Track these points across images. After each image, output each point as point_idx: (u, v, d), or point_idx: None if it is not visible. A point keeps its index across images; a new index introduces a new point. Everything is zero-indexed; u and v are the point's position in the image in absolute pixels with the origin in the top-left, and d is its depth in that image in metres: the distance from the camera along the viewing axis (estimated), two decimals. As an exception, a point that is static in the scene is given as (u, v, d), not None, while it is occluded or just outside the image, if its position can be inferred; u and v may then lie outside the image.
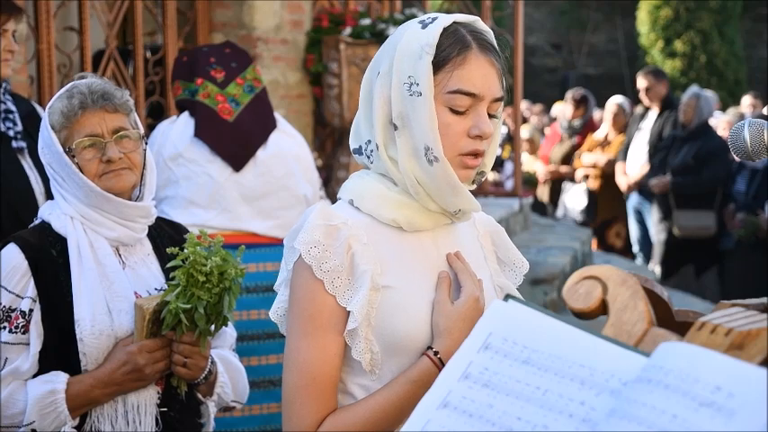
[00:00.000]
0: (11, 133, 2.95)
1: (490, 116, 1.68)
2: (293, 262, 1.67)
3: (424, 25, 1.68)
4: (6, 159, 2.92)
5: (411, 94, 1.64)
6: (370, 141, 1.71)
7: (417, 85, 1.64)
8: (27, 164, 2.96)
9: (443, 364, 1.60)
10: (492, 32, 1.74)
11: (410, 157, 1.66)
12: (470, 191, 1.72)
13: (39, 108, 3.15)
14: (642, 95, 8.26)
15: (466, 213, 1.74)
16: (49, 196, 2.49)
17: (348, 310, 1.63)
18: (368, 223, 1.68)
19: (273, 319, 1.77)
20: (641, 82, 8.21)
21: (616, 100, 9.45)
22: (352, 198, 1.72)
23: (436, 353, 1.63)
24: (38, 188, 2.93)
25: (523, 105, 10.59)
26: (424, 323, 1.66)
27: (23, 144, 2.96)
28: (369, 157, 1.72)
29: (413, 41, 1.66)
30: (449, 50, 1.65)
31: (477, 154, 1.68)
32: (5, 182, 2.88)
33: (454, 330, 1.63)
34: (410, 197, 1.69)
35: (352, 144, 1.77)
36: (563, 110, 10.37)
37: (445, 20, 1.68)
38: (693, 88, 8.26)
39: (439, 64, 1.65)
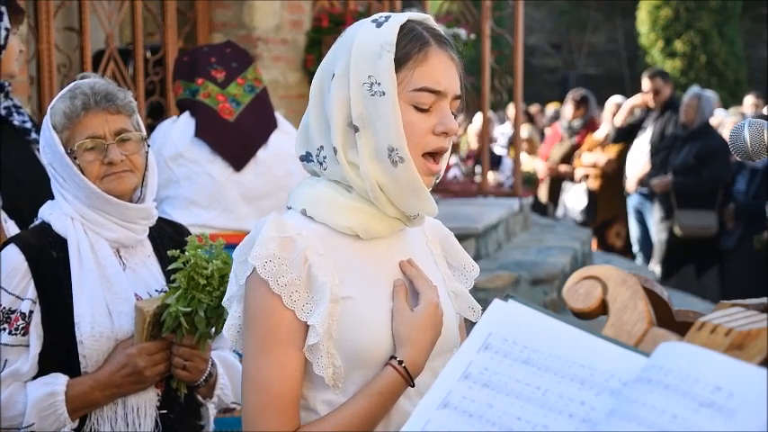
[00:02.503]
0: (27, 125, 2.95)
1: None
2: (246, 276, 1.62)
3: (379, 24, 1.64)
4: (25, 153, 2.91)
5: (373, 95, 1.60)
6: (322, 147, 1.66)
7: (379, 84, 1.59)
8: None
9: (408, 373, 1.60)
10: (442, 30, 1.71)
11: (372, 160, 1.62)
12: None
13: (33, 118, 3.14)
14: (650, 98, 8.26)
15: (422, 217, 1.71)
16: None
17: (309, 324, 1.58)
18: (322, 233, 1.64)
19: (228, 336, 1.70)
20: (650, 85, 8.20)
21: (615, 100, 9.46)
22: (305, 207, 1.67)
23: (400, 362, 1.60)
24: None
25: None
26: (385, 333, 1.62)
27: (38, 137, 2.95)
28: (321, 164, 1.67)
29: (369, 41, 1.62)
30: (409, 47, 1.62)
31: (442, 152, 1.65)
32: (28, 177, 2.86)
33: (417, 338, 1.61)
34: (365, 203, 1.65)
35: (299, 151, 1.71)
36: (562, 110, 10.37)
37: (400, 18, 1.65)
38: (695, 89, 8.28)
39: (400, 61, 1.61)
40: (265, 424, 1.59)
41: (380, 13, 1.69)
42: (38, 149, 2.91)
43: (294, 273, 1.59)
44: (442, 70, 1.63)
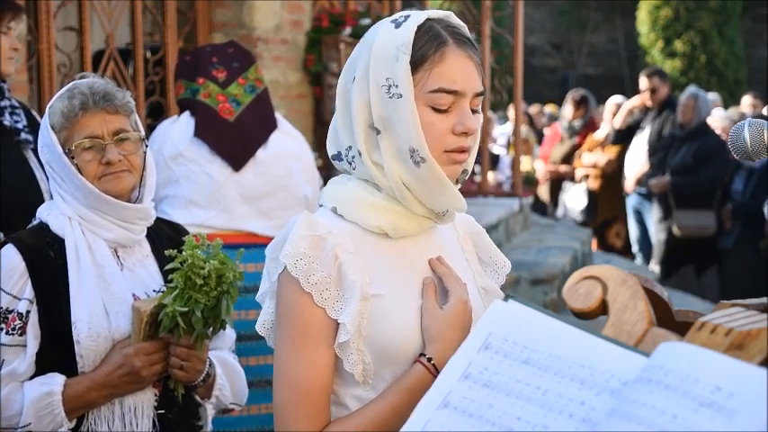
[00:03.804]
0: (19, 126, 2.94)
1: (472, 111, 1.65)
2: (277, 274, 1.63)
3: (398, 24, 1.63)
4: (13, 153, 2.90)
5: (391, 97, 1.60)
6: (350, 147, 1.67)
7: (397, 86, 1.60)
8: (34, 162, 2.93)
9: (437, 370, 1.59)
10: (466, 27, 1.69)
11: (395, 160, 1.63)
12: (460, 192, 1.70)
13: (37, 116, 3.13)
14: (647, 97, 8.26)
15: (451, 214, 1.72)
16: None
17: (339, 321, 1.59)
18: (352, 231, 1.65)
19: (261, 332, 1.72)
20: (648, 84, 8.20)
21: (615, 100, 9.46)
22: (335, 206, 1.68)
23: (429, 359, 1.60)
24: (44, 186, 2.90)
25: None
26: (415, 330, 1.63)
27: (31, 138, 2.94)
28: (350, 164, 1.68)
29: (387, 42, 1.62)
30: (425, 48, 1.61)
31: (463, 150, 1.65)
32: (15, 178, 2.85)
33: (446, 335, 1.61)
34: (394, 202, 1.66)
35: (331, 150, 1.73)
36: (562, 110, 10.38)
37: (419, 17, 1.64)
38: (691, 88, 8.28)
39: (417, 63, 1.60)
40: (296, 420, 1.60)
41: (402, 12, 1.68)
42: (30, 150, 2.91)
43: (324, 271, 1.60)
44: (459, 70, 1.63)
